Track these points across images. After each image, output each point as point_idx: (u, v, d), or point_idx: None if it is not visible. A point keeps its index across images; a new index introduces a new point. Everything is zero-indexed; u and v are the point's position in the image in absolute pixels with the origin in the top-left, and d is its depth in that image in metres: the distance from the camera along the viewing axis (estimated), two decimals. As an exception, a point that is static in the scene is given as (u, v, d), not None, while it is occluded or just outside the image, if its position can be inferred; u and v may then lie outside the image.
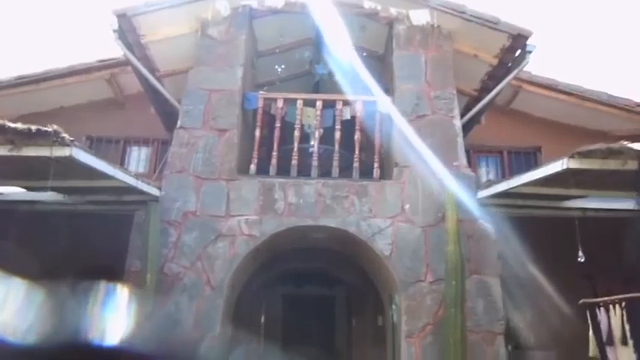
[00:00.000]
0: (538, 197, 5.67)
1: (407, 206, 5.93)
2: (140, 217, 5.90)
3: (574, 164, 4.34)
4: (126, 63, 7.65)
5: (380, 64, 7.51)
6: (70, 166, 4.36)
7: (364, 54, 7.26)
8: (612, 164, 4.24)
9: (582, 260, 5.10)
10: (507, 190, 5.36)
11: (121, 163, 8.93)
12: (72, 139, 4.06)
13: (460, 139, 6.25)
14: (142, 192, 5.60)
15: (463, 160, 6.16)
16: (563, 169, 4.37)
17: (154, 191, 5.73)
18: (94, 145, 8.95)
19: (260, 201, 5.96)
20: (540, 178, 4.75)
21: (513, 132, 9.31)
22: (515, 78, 7.44)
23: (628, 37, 21.46)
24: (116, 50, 7.17)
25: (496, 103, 8.24)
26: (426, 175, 6.03)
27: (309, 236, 6.18)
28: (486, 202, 5.93)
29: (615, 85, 22.74)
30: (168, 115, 7.45)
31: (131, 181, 5.18)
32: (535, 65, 7.77)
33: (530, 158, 9.33)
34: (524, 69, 7.02)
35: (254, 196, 5.99)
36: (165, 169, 6.12)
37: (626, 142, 4.22)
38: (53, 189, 5.34)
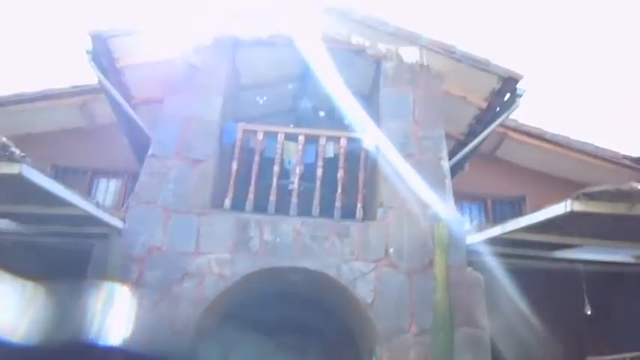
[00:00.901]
0: (531, 245, 5.34)
1: (391, 250, 5.53)
2: (100, 251, 5.38)
3: (579, 207, 4.02)
4: (100, 90, 7.28)
5: (365, 102, 7.23)
6: (22, 188, 3.88)
7: (350, 91, 6.99)
8: (621, 208, 3.92)
9: (589, 313, 4.73)
10: (501, 235, 5.01)
11: (88, 194, 8.40)
12: (23, 154, 3.61)
13: (448, 181, 5.95)
14: (102, 223, 5.10)
15: (451, 202, 5.83)
16: (566, 212, 4.04)
17: (117, 222, 5.23)
18: (60, 174, 8.41)
19: (233, 238, 5.50)
20: (538, 223, 4.41)
21: (497, 180, 9.08)
22: (500, 125, 7.26)
23: (616, 86, 21.80)
24: (90, 76, 6.81)
25: (481, 150, 8.04)
26: (412, 217, 5.68)
27: (284, 279, 5.70)
28: (476, 248, 5.57)
29: (602, 135, 22.92)
30: (142, 147, 6.99)
31: (90, 208, 4.69)
32: (520, 113, 7.70)
33: (514, 207, 9.08)
34: (510, 116, 6.85)
35: (227, 232, 5.54)
36: (132, 199, 5.64)
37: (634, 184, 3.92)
38: (5, 215, 4.81)
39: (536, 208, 5.00)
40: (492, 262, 5.64)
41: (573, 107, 22.04)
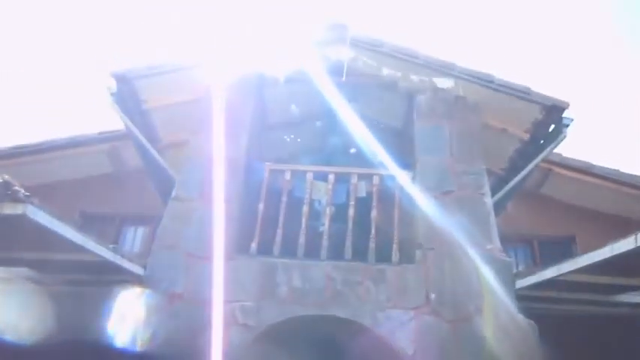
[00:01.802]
0: (589, 289, 4.75)
1: (432, 296, 5.02)
2: (121, 299, 5.06)
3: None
4: (127, 135, 7.18)
5: (398, 138, 6.90)
6: (29, 232, 3.62)
7: (382, 126, 6.68)
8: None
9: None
10: (556, 277, 4.46)
11: (115, 242, 8.21)
12: (27, 194, 3.36)
13: (492, 219, 5.46)
14: (122, 270, 4.80)
15: (497, 242, 5.33)
16: (637, 247, 3.51)
17: (137, 269, 4.92)
18: (88, 222, 8.28)
19: (259, 284, 5.11)
20: (601, 261, 3.87)
21: (544, 219, 8.45)
22: (544, 160, 6.77)
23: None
24: (119, 122, 6.72)
25: (524, 186, 7.52)
26: (454, 259, 5.19)
27: (315, 328, 5.22)
28: (528, 293, 5.02)
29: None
30: (169, 192, 6.78)
31: (106, 254, 4.39)
32: (565, 146, 7.15)
33: (563, 248, 8.40)
34: (555, 150, 6.37)
35: (253, 278, 5.16)
36: (154, 244, 5.35)
37: None
38: (17, 262, 4.57)
39: (588, 248, 4.51)
40: (546, 308, 5.10)
41: (622, 137, 20.69)
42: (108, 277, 5.05)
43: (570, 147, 9.51)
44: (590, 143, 17.06)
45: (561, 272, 4.26)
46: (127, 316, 4.89)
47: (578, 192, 8.21)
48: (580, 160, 7.98)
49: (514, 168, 6.80)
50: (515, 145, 6.56)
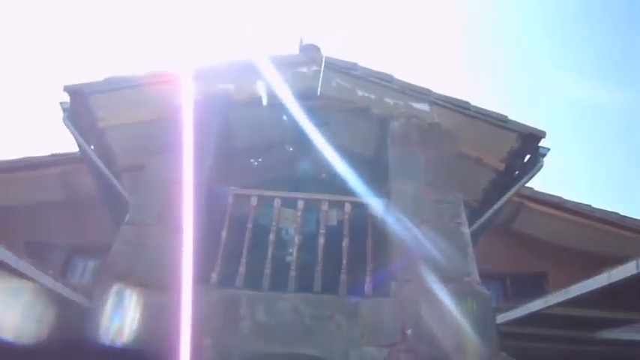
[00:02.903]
0: (573, 324, 4.47)
1: (409, 331, 4.63)
2: (63, 334, 4.47)
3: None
4: (82, 159, 6.67)
5: (369, 166, 6.62)
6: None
7: (352, 154, 6.39)
8: None
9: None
10: (543, 310, 4.15)
11: (63, 274, 7.54)
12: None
13: (470, 250, 5.18)
14: (64, 301, 4.24)
15: (476, 274, 5.03)
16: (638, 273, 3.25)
17: (80, 300, 4.37)
18: (34, 252, 7.57)
19: (220, 318, 4.62)
20: (595, 290, 3.59)
21: (515, 255, 8.25)
22: (516, 194, 6.60)
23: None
24: (73, 144, 6.23)
25: (496, 221, 7.33)
26: (431, 292, 4.83)
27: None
28: (507, 329, 4.69)
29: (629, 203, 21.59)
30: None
31: (46, 281, 3.85)
32: (536, 180, 7.02)
33: (535, 285, 8.19)
34: (528, 183, 6.21)
35: (213, 311, 4.66)
36: (102, 272, 4.82)
37: None
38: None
39: (560, 285, 4.28)
40: (525, 347, 4.78)
41: (592, 172, 20.79)
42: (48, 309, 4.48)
43: (541, 182, 9.45)
44: (561, 178, 17.19)
45: (549, 304, 3.96)
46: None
47: (550, 228, 8.05)
48: (552, 195, 7.87)
49: (488, 200, 6.59)
50: (490, 176, 6.37)
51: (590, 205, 7.79)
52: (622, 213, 7.73)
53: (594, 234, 7.82)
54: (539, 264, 8.18)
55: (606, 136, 19.66)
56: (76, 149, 6.87)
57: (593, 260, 7.77)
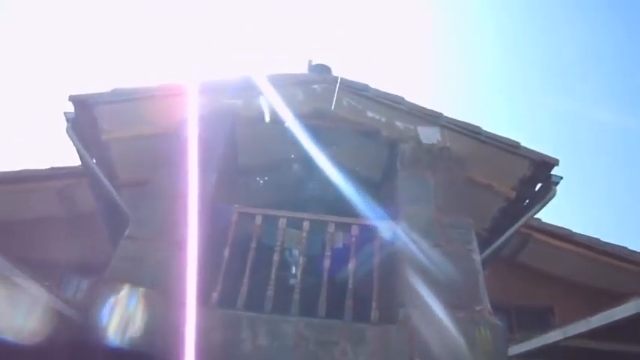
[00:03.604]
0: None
1: (417, 361, 4.41)
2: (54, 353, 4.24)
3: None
4: (82, 173, 6.52)
5: (377, 190, 6.50)
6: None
7: (360, 176, 6.27)
8: None
9: None
10: (558, 342, 3.95)
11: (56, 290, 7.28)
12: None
13: (482, 278, 5.00)
14: (57, 315, 4.02)
15: (487, 303, 4.84)
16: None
17: (76, 316, 4.15)
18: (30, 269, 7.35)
19: (220, 340, 4.40)
20: (623, 320, 3.41)
21: (521, 288, 8.07)
22: (524, 225, 6.47)
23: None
24: (74, 158, 6.09)
25: (502, 253, 7.17)
26: (441, 320, 4.62)
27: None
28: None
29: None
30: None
31: (39, 292, 3.65)
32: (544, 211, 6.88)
33: (541, 320, 7.98)
34: (540, 210, 6.06)
35: (213, 333, 4.44)
36: (100, 288, 4.60)
37: None
38: None
39: (566, 320, 4.15)
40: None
41: (600, 205, 20.54)
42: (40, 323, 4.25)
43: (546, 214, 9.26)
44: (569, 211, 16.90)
45: (568, 335, 3.76)
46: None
47: (558, 260, 7.90)
48: (560, 227, 7.75)
49: (496, 229, 6.44)
50: (500, 204, 6.23)
51: (598, 239, 7.66)
52: (631, 247, 7.59)
53: (603, 268, 7.67)
54: (546, 297, 8.00)
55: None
56: (76, 164, 6.75)
57: (601, 295, 7.62)
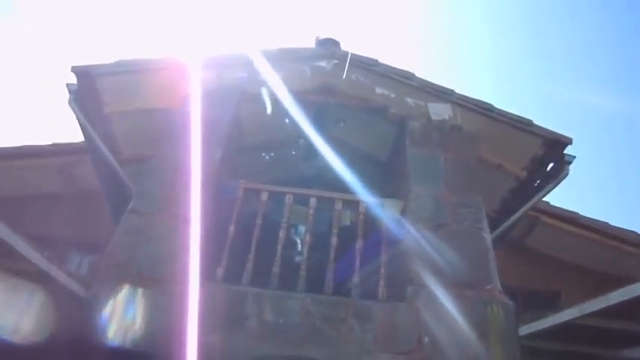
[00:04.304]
0: (607, 338, 4.17)
1: (426, 339, 4.31)
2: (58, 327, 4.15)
3: None
4: (84, 150, 6.40)
5: (385, 168, 6.37)
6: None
7: (369, 154, 6.15)
8: None
9: None
10: (571, 320, 3.85)
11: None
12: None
13: (492, 257, 4.89)
14: (58, 287, 3.93)
15: (497, 282, 4.73)
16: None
17: (76, 288, 4.05)
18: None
19: (225, 316, 4.31)
20: None
21: (528, 272, 7.95)
22: (532, 207, 6.35)
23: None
24: (76, 134, 5.96)
25: (509, 236, 7.06)
26: (450, 299, 4.52)
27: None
28: (529, 343, 4.39)
29: None
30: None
31: (40, 262, 3.55)
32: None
33: (548, 304, 7.88)
34: (552, 189, 5.93)
35: (218, 309, 4.35)
36: (101, 262, 4.51)
37: None
38: None
39: (572, 305, 4.07)
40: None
41: (608, 188, 20.15)
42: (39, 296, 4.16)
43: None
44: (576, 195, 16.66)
45: (584, 313, 3.66)
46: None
47: (565, 244, 7.79)
48: (568, 210, 7.62)
49: (506, 211, 6.33)
50: (510, 185, 6.11)
51: (607, 223, 7.54)
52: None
53: (611, 253, 7.56)
54: (553, 282, 7.90)
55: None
56: (78, 139, 6.64)
57: (609, 280, 7.47)
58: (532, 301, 7.89)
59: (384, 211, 5.24)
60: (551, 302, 7.88)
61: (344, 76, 5.66)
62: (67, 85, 5.25)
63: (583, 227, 7.54)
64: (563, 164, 5.47)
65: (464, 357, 4.22)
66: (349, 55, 5.56)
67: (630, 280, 7.73)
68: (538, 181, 5.95)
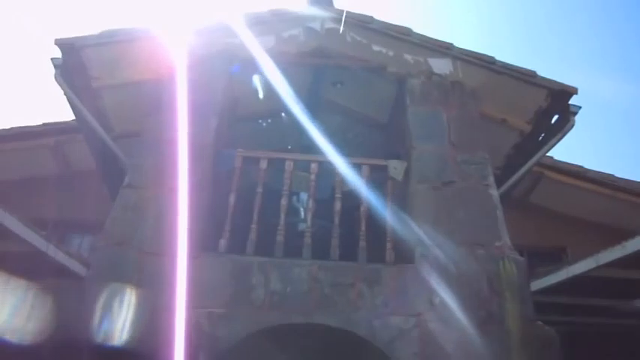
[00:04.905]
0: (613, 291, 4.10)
1: (437, 300, 4.23)
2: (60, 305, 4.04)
3: None
4: (76, 128, 6.20)
5: (386, 129, 6.20)
6: None
7: (369, 116, 5.97)
8: None
9: None
10: (586, 272, 3.76)
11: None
12: None
13: (500, 213, 4.78)
14: (57, 267, 3.81)
15: (507, 239, 4.63)
16: None
17: (76, 267, 3.93)
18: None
19: (231, 287, 4.21)
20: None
21: (533, 228, 7.84)
22: (536, 163, 6.19)
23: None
24: (66, 113, 5.77)
25: (513, 193, 6.92)
26: (459, 258, 4.43)
27: (298, 340, 4.33)
28: (542, 299, 4.32)
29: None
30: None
31: (37, 242, 3.42)
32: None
33: (553, 260, 7.80)
34: (558, 142, 5.77)
35: (223, 280, 4.26)
36: (99, 239, 4.38)
37: None
38: None
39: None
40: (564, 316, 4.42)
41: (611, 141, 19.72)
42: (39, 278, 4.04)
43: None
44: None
45: (600, 263, 3.55)
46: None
47: (570, 200, 7.66)
48: (573, 164, 7.48)
49: (511, 167, 6.18)
50: (514, 140, 5.96)
51: (612, 175, 7.41)
52: (647, 182, 7.34)
53: (617, 206, 7.44)
54: (558, 238, 7.80)
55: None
56: (68, 118, 6.43)
57: (616, 234, 7.39)
58: (538, 258, 7.81)
59: (388, 173, 5.09)
60: (557, 259, 7.81)
61: (339, 36, 5.43)
62: (52, 59, 5.04)
63: (589, 180, 7.40)
64: (568, 115, 5.31)
65: (477, 316, 4.13)
66: (344, 13, 5.32)
67: (635, 233, 7.68)
68: (543, 135, 5.80)
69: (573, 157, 15.80)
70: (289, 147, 6.09)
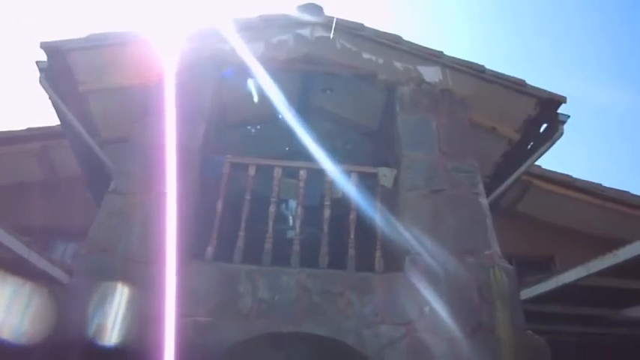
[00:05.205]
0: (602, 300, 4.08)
1: (426, 308, 4.18)
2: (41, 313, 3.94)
3: None
4: (62, 133, 6.10)
5: (375, 137, 6.18)
6: None
7: (359, 123, 5.94)
8: None
9: None
10: (576, 281, 3.74)
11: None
12: None
13: (490, 222, 4.76)
14: (38, 274, 3.71)
15: (496, 247, 4.61)
16: None
17: (58, 274, 3.83)
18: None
19: (217, 296, 4.13)
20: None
21: (521, 237, 7.84)
22: (525, 172, 6.21)
23: None
24: (51, 117, 5.66)
25: (501, 202, 6.92)
26: (450, 266, 4.39)
27: (286, 349, 4.26)
28: (532, 308, 4.30)
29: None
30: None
31: (19, 249, 3.32)
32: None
33: (541, 270, 7.81)
34: (547, 150, 5.79)
35: (209, 288, 4.18)
36: (83, 246, 4.28)
37: None
38: None
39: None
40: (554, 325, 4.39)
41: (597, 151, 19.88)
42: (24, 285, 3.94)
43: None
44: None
45: (591, 272, 3.54)
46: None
47: (558, 209, 7.68)
48: (561, 174, 7.51)
49: (499, 176, 6.19)
50: (503, 149, 5.97)
51: (600, 185, 7.44)
52: (634, 192, 7.39)
53: (605, 215, 7.47)
54: (547, 247, 7.81)
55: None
56: (53, 123, 6.33)
57: (604, 244, 7.41)
58: (526, 267, 7.82)
59: (377, 180, 5.06)
60: (545, 268, 7.82)
61: (329, 43, 5.41)
62: (37, 62, 4.95)
63: (577, 190, 7.43)
64: (557, 124, 5.33)
65: (467, 325, 4.09)
66: (334, 20, 5.30)
67: (626, 243, 7.70)
68: (531, 144, 5.81)
69: (564, 164, 16.03)
70: (278, 154, 6.01)
